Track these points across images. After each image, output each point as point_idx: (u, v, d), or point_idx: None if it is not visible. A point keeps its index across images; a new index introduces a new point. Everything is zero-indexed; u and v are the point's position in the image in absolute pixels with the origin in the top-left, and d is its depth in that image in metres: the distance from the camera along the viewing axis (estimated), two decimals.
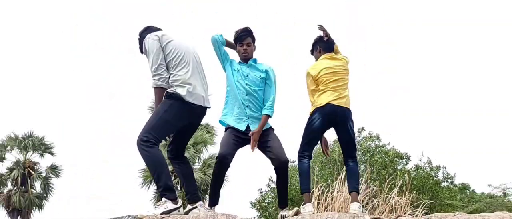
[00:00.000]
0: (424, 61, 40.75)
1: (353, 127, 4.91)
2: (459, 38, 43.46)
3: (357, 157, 5.06)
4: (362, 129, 21.23)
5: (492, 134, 37.57)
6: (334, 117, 4.78)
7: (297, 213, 4.61)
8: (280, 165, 4.65)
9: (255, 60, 4.94)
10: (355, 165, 4.87)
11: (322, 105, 4.79)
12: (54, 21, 45.57)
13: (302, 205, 4.65)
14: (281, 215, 4.72)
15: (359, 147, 20.29)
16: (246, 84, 4.79)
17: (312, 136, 4.86)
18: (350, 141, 4.89)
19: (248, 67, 4.88)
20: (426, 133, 35.67)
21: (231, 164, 4.59)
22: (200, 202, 4.56)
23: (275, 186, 5.13)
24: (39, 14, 45.19)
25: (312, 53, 5.21)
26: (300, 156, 4.84)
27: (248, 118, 4.76)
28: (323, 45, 5.06)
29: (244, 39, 4.88)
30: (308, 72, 4.97)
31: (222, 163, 4.55)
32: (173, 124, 4.43)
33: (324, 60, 4.97)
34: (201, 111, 4.57)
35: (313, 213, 4.50)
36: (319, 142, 5.07)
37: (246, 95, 4.78)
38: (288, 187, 4.87)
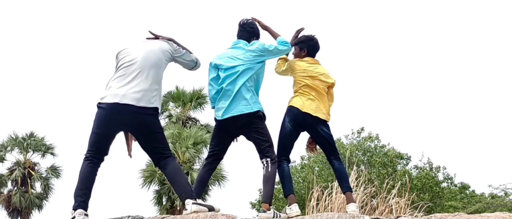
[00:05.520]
0: (424, 61, 40.81)
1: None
2: (460, 38, 43.53)
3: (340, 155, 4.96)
4: (362, 129, 21.20)
5: (492, 134, 37.62)
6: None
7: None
8: None
9: None
10: (341, 164, 4.78)
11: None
12: (55, 21, 45.66)
13: (288, 206, 4.53)
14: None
15: (359, 147, 20.29)
16: None
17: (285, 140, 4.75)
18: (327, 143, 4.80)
19: None
20: (426, 133, 35.72)
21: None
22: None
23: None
24: (40, 14, 45.29)
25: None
26: (279, 160, 4.61)
27: None
28: (310, 48, 4.92)
29: None
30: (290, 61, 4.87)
31: None
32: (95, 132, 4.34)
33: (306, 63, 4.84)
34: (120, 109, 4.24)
35: (301, 213, 4.43)
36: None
37: None
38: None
